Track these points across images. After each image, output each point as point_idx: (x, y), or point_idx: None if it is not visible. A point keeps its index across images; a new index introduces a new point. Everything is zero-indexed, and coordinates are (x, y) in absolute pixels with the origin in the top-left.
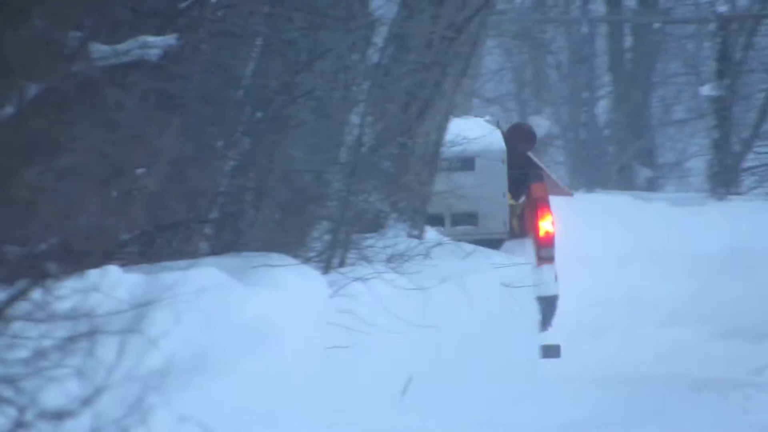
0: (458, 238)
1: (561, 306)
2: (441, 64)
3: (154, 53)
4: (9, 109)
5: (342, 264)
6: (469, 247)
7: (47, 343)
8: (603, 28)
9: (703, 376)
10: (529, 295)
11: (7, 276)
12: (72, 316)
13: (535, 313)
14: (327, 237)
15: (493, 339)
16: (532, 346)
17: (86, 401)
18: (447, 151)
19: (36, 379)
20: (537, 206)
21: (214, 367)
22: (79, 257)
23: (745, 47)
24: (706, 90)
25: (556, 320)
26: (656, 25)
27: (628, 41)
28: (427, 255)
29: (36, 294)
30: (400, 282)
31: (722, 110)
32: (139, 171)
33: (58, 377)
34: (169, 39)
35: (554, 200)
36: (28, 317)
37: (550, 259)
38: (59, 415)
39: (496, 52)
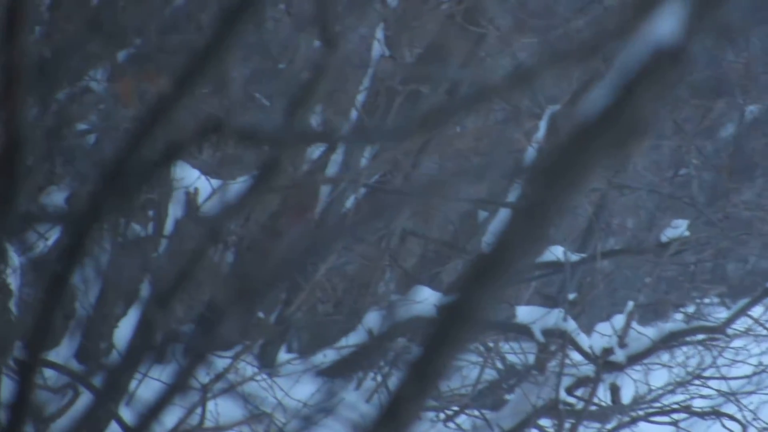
0: None
1: None
2: None
3: None
4: (729, 128)
5: None
6: None
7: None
8: None
9: None
10: None
11: (729, 293)
12: None
13: None
14: None
15: None
16: None
17: None
18: None
19: (758, 394)
20: None
21: None
22: None
23: None
24: None
25: None
26: None
27: None
28: None
29: (756, 311)
30: None
31: None
32: None
33: None
34: None
35: None
36: (748, 334)
37: None
38: None
39: None
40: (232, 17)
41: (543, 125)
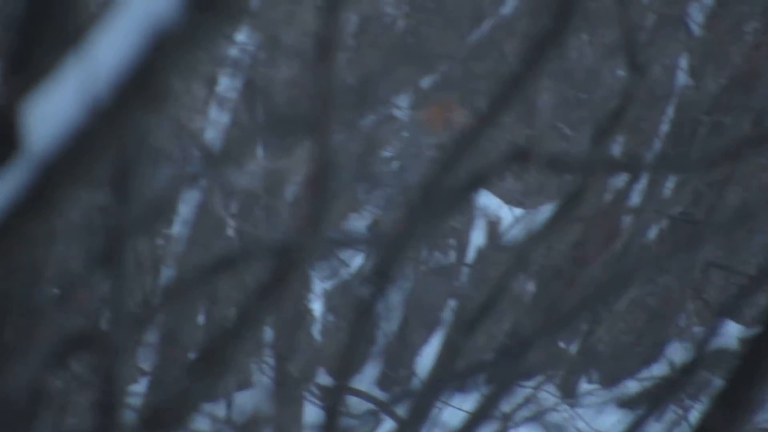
0: None
1: None
2: None
3: None
4: None
5: None
6: None
7: None
8: None
9: None
10: None
11: None
12: None
13: None
14: None
15: None
16: None
17: None
18: None
19: None
20: None
21: None
22: None
23: None
24: None
25: None
26: None
27: None
28: None
29: None
30: None
31: None
32: None
33: None
34: None
35: None
36: None
37: None
38: None
39: None
40: (539, 46)
41: None
